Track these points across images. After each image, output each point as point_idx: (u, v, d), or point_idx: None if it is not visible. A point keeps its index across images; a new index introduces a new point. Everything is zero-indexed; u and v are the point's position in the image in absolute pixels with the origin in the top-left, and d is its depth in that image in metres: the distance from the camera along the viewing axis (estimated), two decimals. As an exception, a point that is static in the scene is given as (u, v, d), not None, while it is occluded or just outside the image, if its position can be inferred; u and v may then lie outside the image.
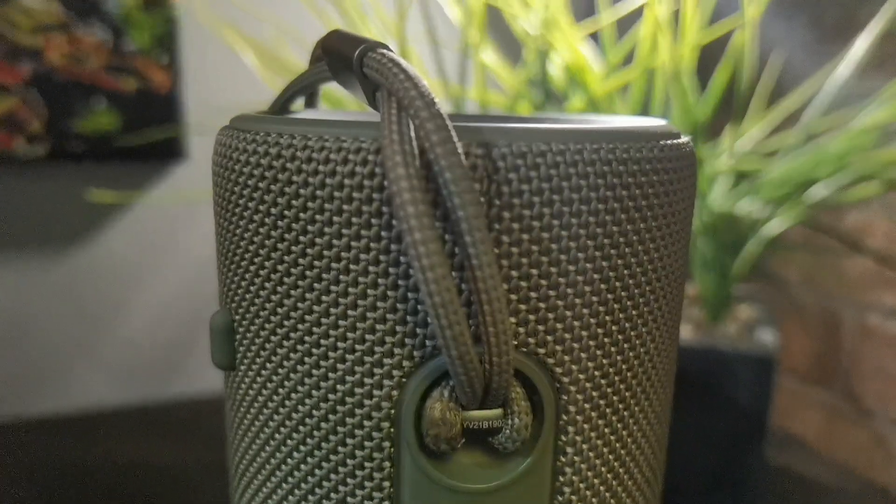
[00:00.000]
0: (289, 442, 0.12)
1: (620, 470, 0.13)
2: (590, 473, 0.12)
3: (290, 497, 0.13)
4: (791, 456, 0.46)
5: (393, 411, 0.11)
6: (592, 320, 0.12)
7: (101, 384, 0.57)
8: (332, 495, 0.12)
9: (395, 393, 0.11)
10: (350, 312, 0.11)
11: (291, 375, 0.12)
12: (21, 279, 0.54)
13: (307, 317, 0.12)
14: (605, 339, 0.12)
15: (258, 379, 0.13)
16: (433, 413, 0.11)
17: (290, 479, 0.12)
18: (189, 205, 0.52)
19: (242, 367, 0.13)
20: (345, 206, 0.11)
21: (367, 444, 0.12)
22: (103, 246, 0.55)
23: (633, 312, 0.12)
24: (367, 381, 0.11)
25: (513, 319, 0.11)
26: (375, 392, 0.11)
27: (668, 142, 0.12)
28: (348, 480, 0.12)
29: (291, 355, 0.12)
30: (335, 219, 0.11)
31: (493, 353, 0.10)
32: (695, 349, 0.36)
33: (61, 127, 0.45)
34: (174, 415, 0.54)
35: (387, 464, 0.12)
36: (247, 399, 0.13)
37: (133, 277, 0.57)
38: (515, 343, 0.11)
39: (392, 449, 0.12)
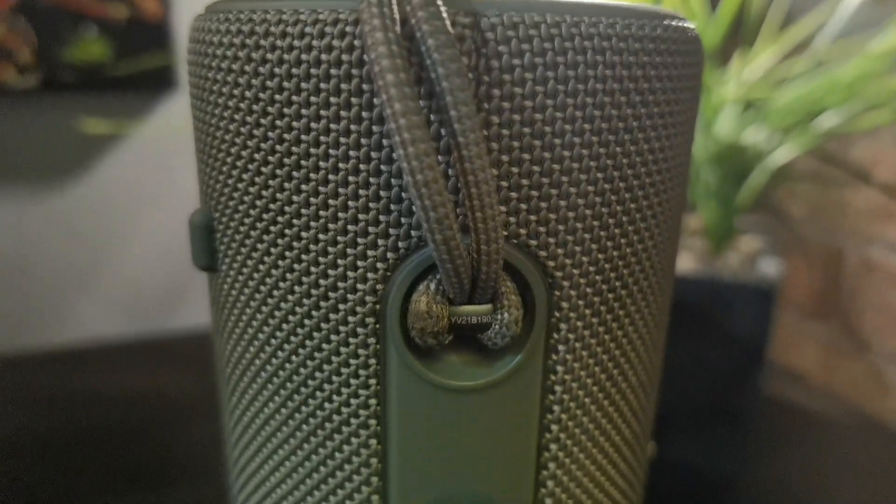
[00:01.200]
0: (273, 341, 0.12)
1: (614, 371, 0.12)
2: (582, 373, 0.12)
3: (276, 397, 0.12)
4: (788, 388, 0.46)
5: (378, 306, 0.11)
6: (588, 212, 0.11)
7: (103, 317, 0.57)
8: (318, 393, 0.12)
9: (379, 287, 0.11)
10: (331, 202, 0.11)
11: (273, 272, 0.11)
12: (17, 212, 0.53)
13: (286, 208, 0.11)
14: (601, 233, 0.11)
15: (240, 277, 0.12)
16: (419, 306, 0.11)
17: (275, 378, 0.12)
18: (184, 134, 0.51)
19: (224, 267, 0.13)
20: (322, 85, 0.10)
21: (351, 340, 0.11)
22: (98, 178, 0.54)
23: (632, 206, 0.11)
24: (350, 274, 0.11)
25: (503, 208, 0.11)
26: (359, 286, 0.11)
27: (674, 23, 0.11)
28: (334, 378, 0.11)
29: (272, 250, 0.11)
30: (312, 99, 0.10)
31: (480, 240, 0.10)
32: (696, 279, 0.36)
33: (52, 56, 0.43)
34: (177, 347, 0.55)
35: (372, 361, 0.11)
36: (230, 299, 0.13)
37: (130, 209, 0.56)
38: (506, 234, 0.11)
39: (377, 345, 0.11)
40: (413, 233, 0.11)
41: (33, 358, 0.53)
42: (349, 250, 0.11)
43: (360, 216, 0.11)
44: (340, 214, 0.11)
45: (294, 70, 0.10)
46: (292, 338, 0.12)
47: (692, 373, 0.37)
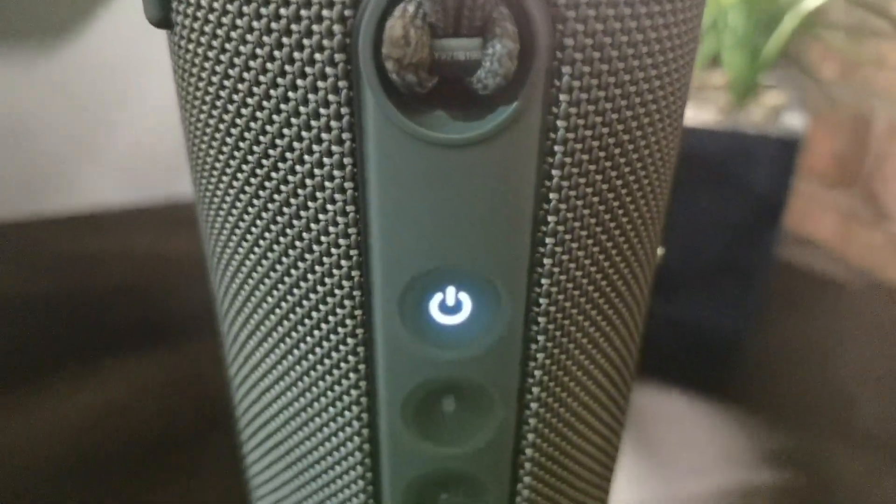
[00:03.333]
0: (236, 96, 0.10)
1: (624, 137, 0.11)
2: (587, 133, 0.10)
3: (239, 148, 0.11)
4: (803, 254, 0.45)
5: (348, 40, 0.09)
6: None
7: (109, 184, 0.56)
8: (288, 155, 0.10)
9: (348, 13, 0.09)
10: None
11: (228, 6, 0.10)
12: (12, 78, 0.51)
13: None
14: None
15: (196, 24, 0.11)
16: (394, 31, 0.09)
17: (241, 135, 0.11)
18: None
19: (180, 18, 0.11)
20: None
21: (320, 84, 0.10)
22: (95, 40, 0.52)
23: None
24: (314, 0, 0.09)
25: None
26: (325, 13, 0.09)
27: None
28: (303, 134, 0.10)
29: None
30: None
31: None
32: (716, 131, 0.34)
33: None
34: (183, 213, 0.54)
35: (345, 111, 0.10)
36: (188, 56, 0.11)
37: (129, 73, 0.54)
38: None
39: (350, 91, 0.10)
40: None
41: (38, 224, 0.52)
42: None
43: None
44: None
45: None
46: (257, 84, 0.10)
47: (706, 228, 0.35)
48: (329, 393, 0.12)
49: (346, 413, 0.12)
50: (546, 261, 0.11)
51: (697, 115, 0.35)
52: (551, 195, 0.11)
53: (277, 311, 0.12)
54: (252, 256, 0.12)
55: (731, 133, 0.34)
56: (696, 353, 0.36)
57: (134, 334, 0.40)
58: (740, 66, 0.36)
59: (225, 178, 0.11)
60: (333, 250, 0.11)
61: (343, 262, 0.11)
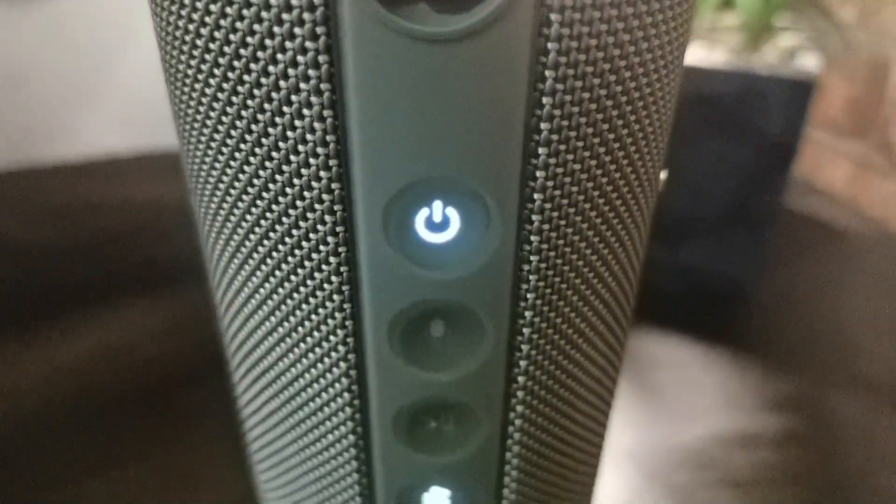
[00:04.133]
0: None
1: (618, 27, 0.10)
2: (584, 30, 0.09)
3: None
4: (814, 203, 0.44)
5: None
6: None
7: (108, 132, 0.56)
8: (260, 54, 0.10)
9: None
10: None
11: None
12: (12, 22, 0.50)
13: None
14: None
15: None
16: None
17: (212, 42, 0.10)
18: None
19: None
20: None
21: None
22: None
23: None
24: None
25: None
26: None
27: None
28: (275, 30, 0.09)
29: None
30: None
31: None
32: (728, 72, 0.33)
33: None
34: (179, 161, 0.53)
35: (322, 20, 0.09)
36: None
37: (128, 20, 0.53)
38: None
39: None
40: None
41: (37, 171, 0.52)
42: None
43: None
44: None
45: None
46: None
47: (715, 174, 0.34)
48: (313, 316, 0.12)
49: (332, 337, 0.12)
50: (539, 173, 0.10)
51: (709, 55, 0.34)
52: (545, 100, 0.10)
53: (257, 229, 0.11)
54: (228, 172, 0.11)
55: (744, 74, 0.32)
56: (702, 300, 0.35)
57: (134, 279, 0.40)
58: (754, 6, 0.35)
59: (197, 86, 0.11)
60: (312, 161, 0.10)
61: (322, 174, 0.10)
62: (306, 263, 0.11)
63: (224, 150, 0.11)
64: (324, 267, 0.11)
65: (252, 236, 0.12)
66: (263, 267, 0.12)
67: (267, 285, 0.12)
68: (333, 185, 0.10)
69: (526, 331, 0.12)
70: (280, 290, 0.12)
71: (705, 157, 0.35)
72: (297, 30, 0.09)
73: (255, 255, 0.12)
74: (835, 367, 0.31)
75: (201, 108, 0.11)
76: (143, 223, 0.45)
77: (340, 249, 0.11)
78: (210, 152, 0.11)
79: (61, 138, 0.56)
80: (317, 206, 0.11)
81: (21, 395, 0.31)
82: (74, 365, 0.33)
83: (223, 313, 0.14)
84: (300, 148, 0.10)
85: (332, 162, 0.10)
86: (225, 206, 0.12)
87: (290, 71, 0.09)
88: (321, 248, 0.11)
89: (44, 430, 0.29)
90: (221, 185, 0.12)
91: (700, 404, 0.29)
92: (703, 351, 0.32)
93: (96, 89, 0.55)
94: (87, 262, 0.42)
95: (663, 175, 0.14)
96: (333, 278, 0.11)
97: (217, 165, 0.11)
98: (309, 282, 0.11)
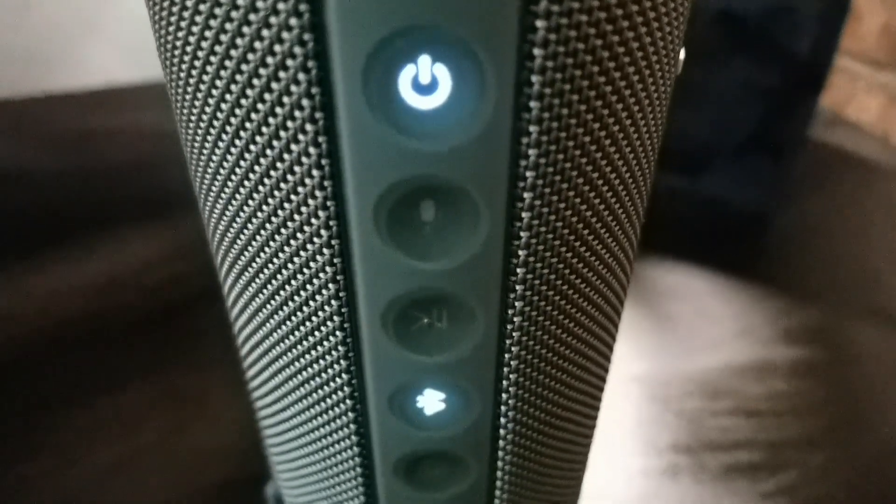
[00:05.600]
0: None
1: None
2: None
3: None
4: (842, 135, 0.42)
5: None
6: None
7: (114, 61, 0.54)
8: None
9: None
10: None
11: None
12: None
13: None
14: None
15: None
16: None
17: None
18: None
19: None
20: None
21: None
22: None
23: None
24: None
25: None
26: None
27: None
28: None
29: None
30: None
31: None
32: (755, -13, 0.31)
33: None
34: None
35: None
36: None
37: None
38: None
39: None
40: None
41: (44, 100, 0.51)
42: None
43: None
44: None
45: None
46: None
47: (739, 99, 0.33)
48: (293, 197, 0.11)
49: (313, 221, 0.11)
50: (539, 23, 0.09)
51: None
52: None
53: (233, 87, 0.10)
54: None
55: (774, -11, 0.30)
56: (721, 230, 0.34)
57: (139, 207, 0.39)
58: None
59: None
60: (280, 5, 0.09)
61: (293, 22, 0.09)
62: (282, 134, 0.10)
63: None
64: (300, 137, 0.10)
65: (229, 94, 0.11)
66: (242, 134, 0.11)
67: (248, 155, 0.11)
68: (305, 37, 0.09)
69: (525, 215, 0.11)
70: (256, 167, 0.11)
71: (730, 81, 0.33)
72: None
73: (233, 119, 0.11)
74: (854, 299, 0.30)
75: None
76: (148, 152, 0.45)
77: (317, 115, 0.10)
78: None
79: (67, 68, 0.55)
80: (289, 62, 0.09)
81: (30, 317, 0.31)
82: (81, 288, 0.33)
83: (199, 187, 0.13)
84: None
85: (301, 6, 0.09)
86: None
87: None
88: (296, 113, 0.10)
89: (53, 351, 0.29)
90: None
91: (716, 335, 0.28)
92: (720, 282, 0.31)
93: (102, 18, 0.54)
94: (93, 189, 0.42)
95: (682, 55, 0.13)
96: (312, 150, 0.10)
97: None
98: (286, 156, 0.10)
